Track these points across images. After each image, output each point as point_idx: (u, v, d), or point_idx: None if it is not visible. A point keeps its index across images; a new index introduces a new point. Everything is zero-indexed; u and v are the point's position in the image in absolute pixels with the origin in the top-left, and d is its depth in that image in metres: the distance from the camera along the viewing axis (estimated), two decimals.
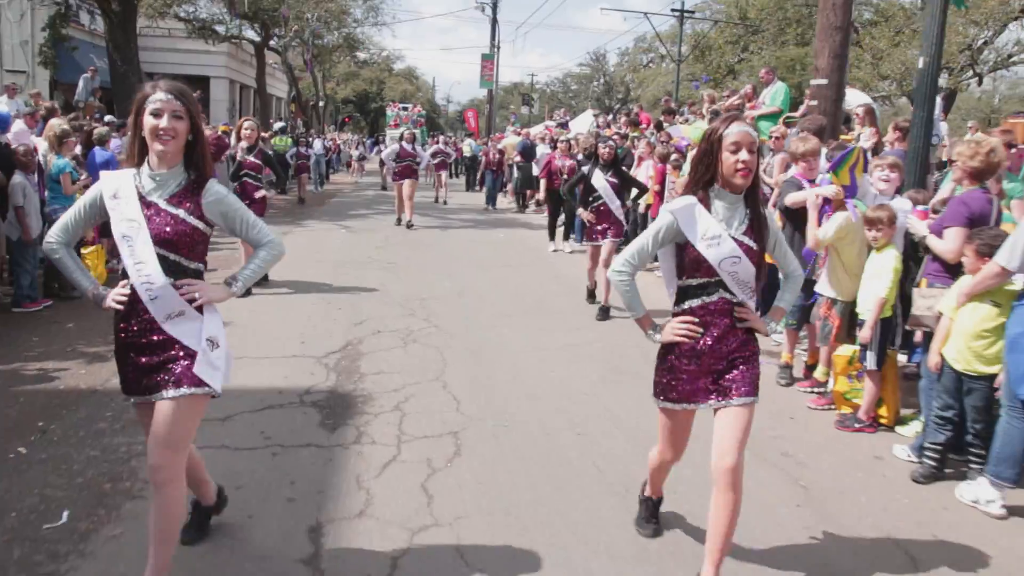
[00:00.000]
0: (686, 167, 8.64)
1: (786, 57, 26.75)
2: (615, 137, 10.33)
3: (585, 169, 8.11)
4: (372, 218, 15.60)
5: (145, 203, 2.74)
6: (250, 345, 6.09)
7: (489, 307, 7.94)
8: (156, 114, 2.65)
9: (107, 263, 7.93)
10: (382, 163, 22.27)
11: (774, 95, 10.95)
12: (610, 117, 20.83)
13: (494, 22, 33.10)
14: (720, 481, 2.88)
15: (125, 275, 2.78)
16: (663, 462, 3.31)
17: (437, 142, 23.26)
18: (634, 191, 8.68)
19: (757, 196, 2.99)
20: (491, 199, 19.14)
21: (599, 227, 7.81)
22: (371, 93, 60.08)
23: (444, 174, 20.02)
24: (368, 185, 23.86)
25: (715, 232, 2.89)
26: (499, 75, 36.33)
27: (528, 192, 17.91)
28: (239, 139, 8.94)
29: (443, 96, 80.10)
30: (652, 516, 3.50)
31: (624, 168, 8.71)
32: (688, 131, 11.00)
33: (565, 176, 11.67)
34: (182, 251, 2.77)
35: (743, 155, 2.80)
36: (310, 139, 22.51)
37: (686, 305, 3.01)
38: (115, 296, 2.77)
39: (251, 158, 8.63)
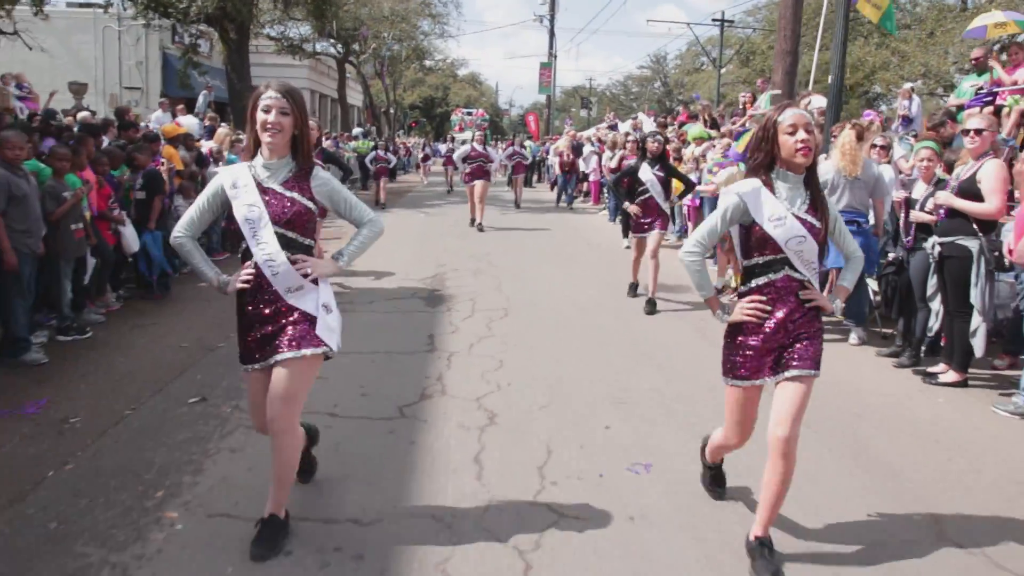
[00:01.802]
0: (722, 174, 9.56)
1: (821, 61, 29.35)
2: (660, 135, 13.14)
3: (633, 162, 8.72)
4: (445, 207, 19.01)
5: (262, 189, 3.15)
6: (377, 269, 9.54)
7: (534, 258, 11.27)
8: (266, 110, 3.05)
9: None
10: (446, 164, 24.53)
11: (767, 100, 14.00)
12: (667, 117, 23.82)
13: (551, 33, 36.47)
14: (774, 450, 3.05)
15: (245, 259, 3.22)
16: (726, 445, 3.50)
17: (512, 144, 23.58)
18: (682, 187, 8.99)
19: (816, 177, 3.20)
20: (570, 198, 20.06)
21: (646, 220, 8.21)
22: (437, 98, 64.08)
23: (521, 177, 19.94)
24: (435, 183, 27.35)
25: (780, 213, 3.08)
26: (561, 79, 39.84)
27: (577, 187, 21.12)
28: None
29: (506, 100, 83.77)
30: (717, 480, 3.77)
31: (670, 164, 8.99)
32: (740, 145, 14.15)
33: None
34: (297, 229, 3.17)
35: (801, 135, 3.03)
36: (390, 144, 25.67)
37: (753, 284, 3.20)
38: (242, 278, 3.18)
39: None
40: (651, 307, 7.93)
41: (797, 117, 3.07)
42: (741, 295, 3.26)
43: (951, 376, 5.72)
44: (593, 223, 16.37)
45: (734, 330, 3.25)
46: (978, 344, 5.46)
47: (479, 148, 14.70)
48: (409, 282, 9.13)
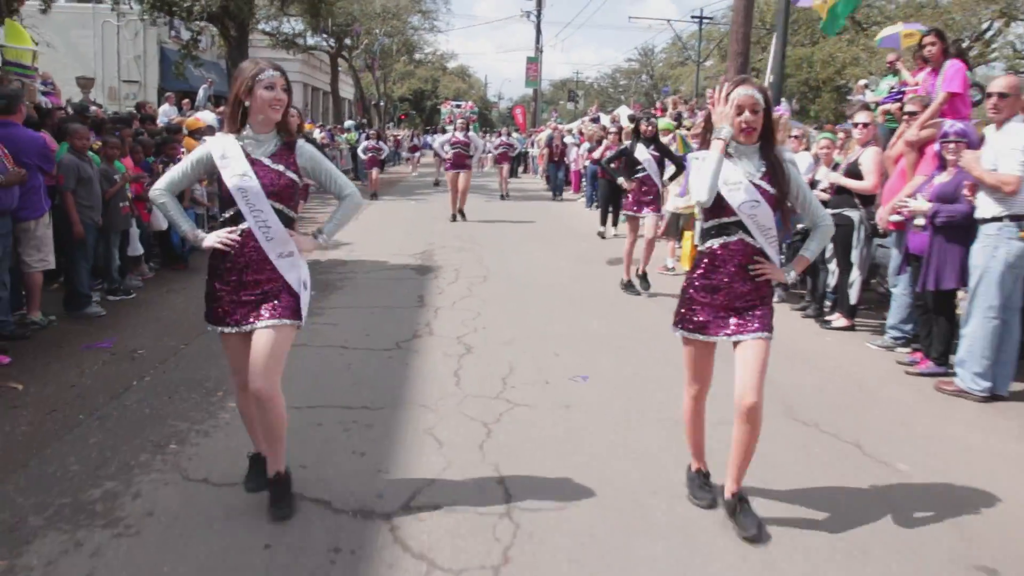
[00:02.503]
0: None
1: (795, 56, 30.83)
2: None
3: (628, 143, 8.84)
4: (434, 195, 20.34)
5: (251, 160, 3.28)
6: (374, 246, 10.88)
7: (514, 238, 12.63)
8: (270, 87, 3.22)
9: None
10: (436, 155, 25.48)
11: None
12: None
13: (538, 29, 37.77)
14: (741, 416, 3.28)
15: (230, 223, 3.32)
16: (694, 397, 3.59)
17: (501, 135, 24.23)
18: (672, 169, 8.79)
19: (772, 147, 3.37)
20: (558, 189, 20.77)
21: (644, 198, 8.33)
22: (426, 91, 65.35)
23: (507, 167, 20.48)
24: (424, 174, 28.62)
25: (736, 179, 3.27)
26: (550, 71, 41.16)
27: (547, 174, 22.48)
28: None
29: (495, 93, 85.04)
30: (705, 486, 3.70)
31: (663, 144, 8.97)
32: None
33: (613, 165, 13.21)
34: (284, 200, 3.34)
35: (745, 115, 3.24)
36: (383, 133, 26.76)
37: (707, 244, 3.42)
38: (223, 239, 3.29)
39: None
40: (645, 282, 8.43)
41: (744, 98, 3.25)
42: (696, 259, 3.52)
43: (841, 322, 7.12)
44: (573, 210, 17.74)
45: (687, 284, 3.48)
46: (853, 294, 6.87)
47: (460, 136, 15.04)
48: (401, 257, 10.47)
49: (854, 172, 6.88)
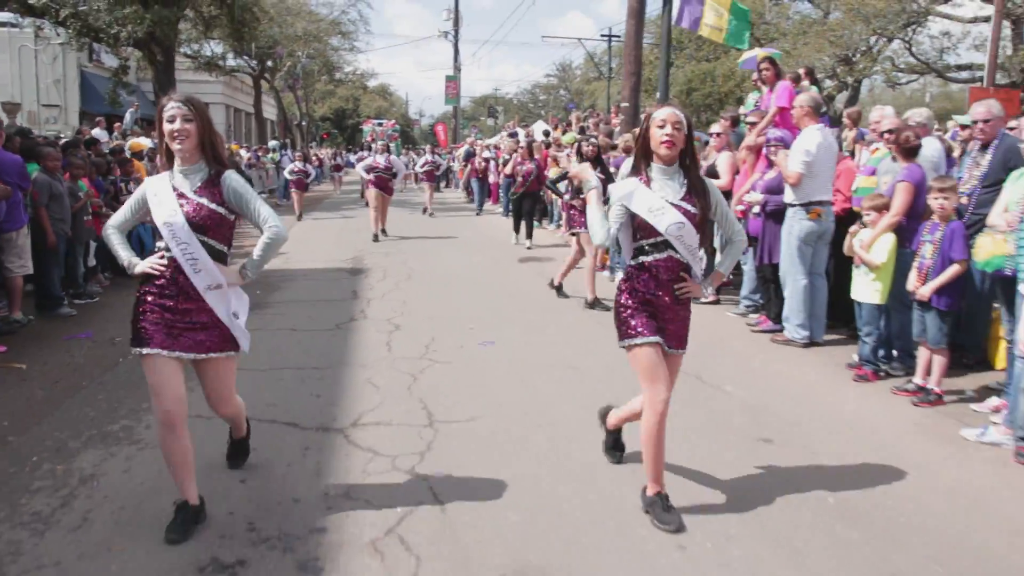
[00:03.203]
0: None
1: (700, 71, 33.06)
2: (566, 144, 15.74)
3: (566, 166, 9.48)
4: (359, 210, 21.48)
5: (178, 194, 3.42)
6: (307, 255, 12.08)
7: (436, 245, 13.97)
8: (171, 120, 3.32)
9: None
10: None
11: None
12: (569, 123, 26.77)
13: (455, 48, 39.31)
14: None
15: (166, 250, 3.45)
16: (660, 411, 3.57)
17: (426, 153, 24.93)
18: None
19: (694, 166, 3.62)
20: (480, 204, 21.25)
21: (579, 217, 8.55)
22: (347, 110, 66.06)
23: (431, 185, 20.91)
24: (348, 191, 29.63)
25: (658, 204, 3.50)
26: (471, 88, 42.77)
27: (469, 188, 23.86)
28: None
29: (416, 110, 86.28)
30: (669, 508, 3.66)
31: (607, 166, 9.31)
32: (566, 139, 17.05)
33: (520, 178, 13.74)
34: (209, 233, 3.45)
35: (667, 129, 3.44)
36: (308, 155, 27.71)
37: (639, 261, 3.65)
38: (151, 264, 3.45)
39: None
40: (560, 292, 9.05)
41: (668, 114, 3.47)
42: (628, 273, 3.71)
43: (710, 298, 8.68)
44: (492, 221, 19.14)
45: (619, 303, 3.69)
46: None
47: (382, 161, 15.10)
48: (333, 263, 11.70)
49: (712, 173, 8.45)
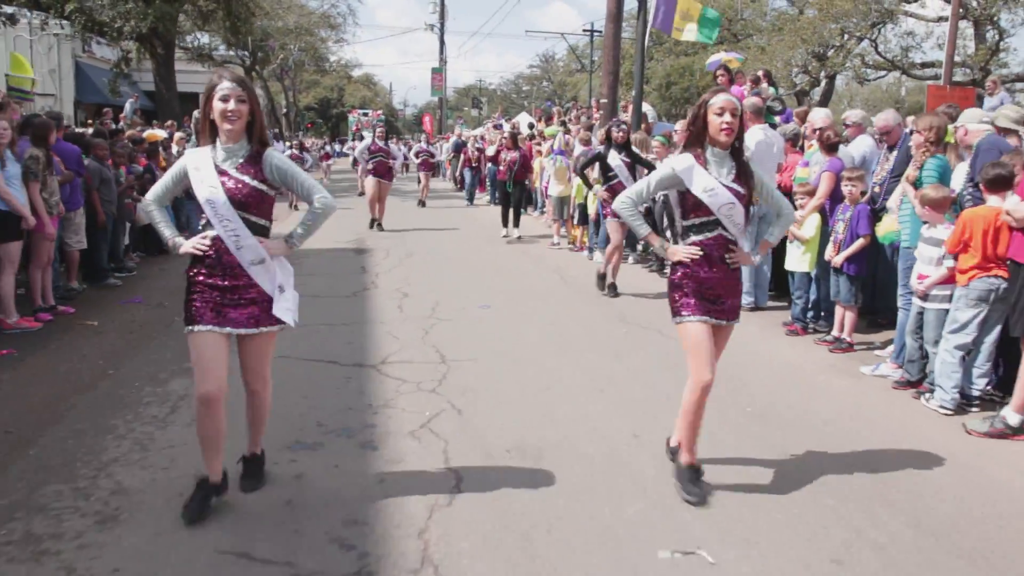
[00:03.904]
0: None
1: (679, 65, 34.45)
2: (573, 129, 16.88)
3: (601, 149, 9.07)
4: (354, 199, 22.67)
5: (220, 171, 3.50)
6: (312, 237, 13.31)
7: (433, 230, 15.25)
8: (224, 99, 3.39)
9: None
10: (356, 166, 23.56)
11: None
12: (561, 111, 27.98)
13: (441, 40, 40.49)
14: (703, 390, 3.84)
15: (205, 229, 3.61)
16: (697, 387, 3.83)
17: (420, 141, 24.67)
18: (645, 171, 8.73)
19: (741, 150, 3.83)
20: (471, 194, 21.65)
21: (609, 208, 8.62)
22: (332, 99, 66.99)
23: (427, 175, 20.69)
24: (337, 180, 30.73)
25: (711, 185, 3.71)
26: (455, 78, 43.83)
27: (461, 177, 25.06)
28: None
29: (400, 100, 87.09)
30: (695, 479, 3.91)
31: (635, 151, 9.31)
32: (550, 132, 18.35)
33: (503, 166, 14.20)
34: (251, 210, 3.54)
35: (726, 117, 3.65)
36: (305, 144, 28.69)
37: (691, 239, 3.84)
38: (196, 244, 3.53)
39: None
40: (613, 290, 8.93)
41: (726, 102, 3.67)
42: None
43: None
44: (483, 210, 20.39)
45: (677, 277, 3.89)
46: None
47: (380, 143, 15.16)
48: (338, 244, 12.93)
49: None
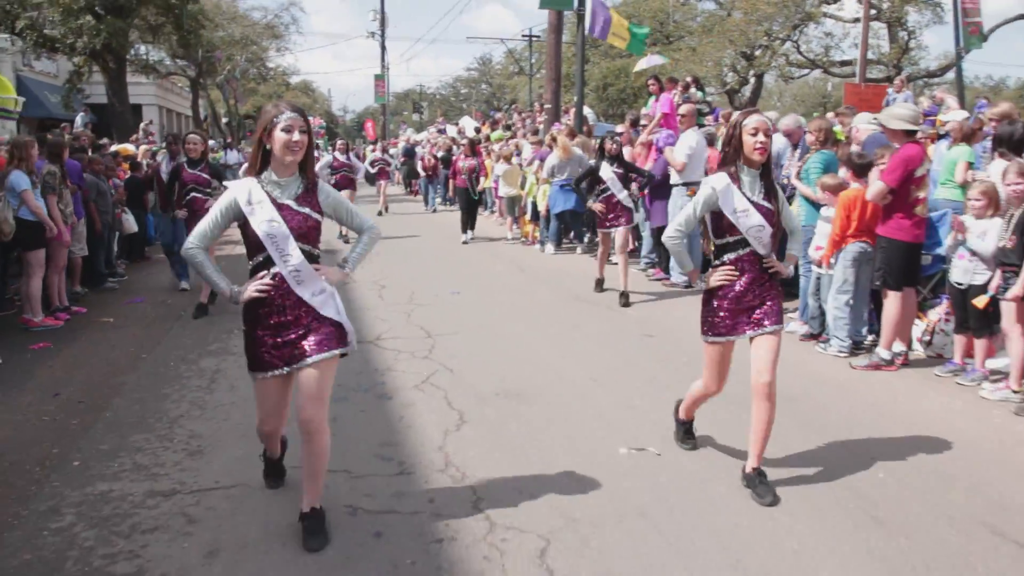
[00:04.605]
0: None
1: (615, 67, 35.97)
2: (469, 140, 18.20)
3: (592, 163, 9.23)
4: None
5: (277, 205, 3.43)
6: None
7: (397, 233, 16.34)
8: (288, 130, 3.33)
9: None
10: None
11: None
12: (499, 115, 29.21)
13: (383, 47, 41.43)
14: (759, 393, 3.97)
15: (257, 270, 3.53)
16: (706, 394, 4.33)
17: (376, 150, 24.72)
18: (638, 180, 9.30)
19: (771, 170, 4.00)
20: (429, 200, 21.68)
21: (610, 216, 8.85)
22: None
23: (386, 183, 20.51)
24: None
25: (745, 206, 3.88)
26: (393, 83, 44.60)
27: (412, 181, 26.13)
28: (174, 156, 10.13)
29: (339, 107, 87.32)
30: (689, 435, 4.65)
31: (626, 160, 9.51)
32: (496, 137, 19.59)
33: (465, 175, 14.61)
34: (310, 241, 3.54)
35: (760, 137, 3.79)
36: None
37: (724, 258, 4.02)
38: (259, 287, 3.46)
39: (198, 172, 8.54)
40: (625, 299, 8.76)
41: (759, 122, 3.81)
42: (714, 267, 4.05)
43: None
44: (442, 216, 21.54)
45: (710, 296, 4.06)
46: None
47: (341, 158, 15.13)
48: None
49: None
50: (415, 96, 73.87)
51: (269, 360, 3.54)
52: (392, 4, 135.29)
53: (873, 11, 25.25)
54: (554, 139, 12.33)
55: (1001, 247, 5.53)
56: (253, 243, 3.49)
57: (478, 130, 22.67)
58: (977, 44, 21.57)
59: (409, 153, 25.55)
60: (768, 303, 4.04)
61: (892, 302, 6.17)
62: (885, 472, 4.41)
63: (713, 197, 3.93)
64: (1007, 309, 5.50)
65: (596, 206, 8.90)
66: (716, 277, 4.03)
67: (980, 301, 5.68)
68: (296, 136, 3.37)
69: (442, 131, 30.18)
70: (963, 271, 5.93)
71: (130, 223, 12.06)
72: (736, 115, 4.05)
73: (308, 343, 3.52)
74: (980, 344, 5.95)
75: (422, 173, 22.22)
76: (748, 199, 3.91)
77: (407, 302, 8.98)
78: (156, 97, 38.19)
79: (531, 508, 3.97)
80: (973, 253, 5.82)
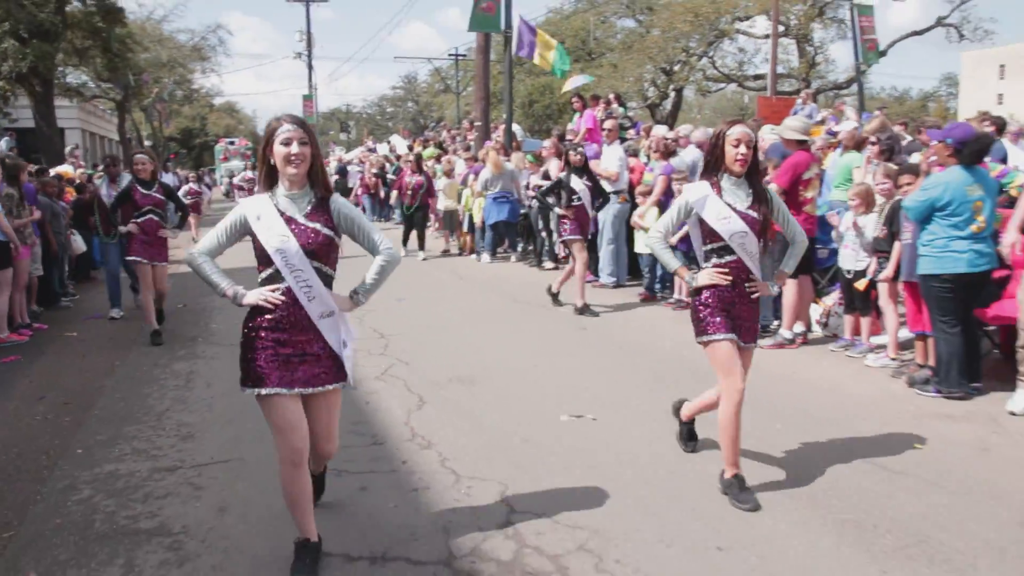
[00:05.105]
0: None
1: (539, 84, 37.15)
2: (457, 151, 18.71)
3: (563, 175, 9.28)
4: None
5: (287, 220, 3.35)
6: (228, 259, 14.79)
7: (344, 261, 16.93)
8: (286, 143, 3.26)
9: None
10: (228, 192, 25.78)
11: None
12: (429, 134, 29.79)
13: (310, 67, 41.82)
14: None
15: (268, 282, 3.41)
16: (729, 399, 4.10)
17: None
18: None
19: (758, 176, 4.05)
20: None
21: (573, 226, 8.96)
22: (194, 129, 66.51)
23: None
24: (219, 209, 31.61)
25: (726, 213, 3.93)
26: (318, 103, 44.71)
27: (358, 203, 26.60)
28: (113, 178, 10.12)
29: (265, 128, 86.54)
30: (692, 436, 4.78)
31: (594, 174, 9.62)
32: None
33: (410, 191, 14.19)
34: (321, 259, 3.41)
35: (742, 149, 3.88)
36: (203, 175, 29.22)
37: (712, 262, 4.07)
38: (267, 296, 3.36)
39: (152, 193, 8.36)
40: (583, 310, 8.94)
41: (742, 134, 3.91)
42: (703, 268, 4.13)
43: (550, 266, 12.21)
44: (384, 231, 22.10)
45: (699, 303, 4.13)
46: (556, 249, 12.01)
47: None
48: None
49: (546, 175, 11.99)
50: (341, 115, 74.14)
51: (262, 373, 3.39)
52: (317, 25, 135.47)
53: (782, 27, 26.98)
54: (487, 155, 13.17)
55: (876, 237, 6.55)
56: (262, 257, 3.42)
57: (411, 148, 23.35)
58: (874, 59, 23.36)
59: (342, 172, 26.06)
60: (749, 320, 4.17)
61: (790, 289, 7.14)
62: (783, 423, 5.33)
63: (686, 207, 4.08)
64: (881, 289, 6.52)
65: (567, 212, 8.99)
66: (708, 274, 4.08)
67: (860, 284, 6.70)
68: (295, 148, 3.30)
69: (372, 150, 30.74)
70: (849, 259, 6.94)
71: (79, 243, 12.43)
72: (720, 125, 4.17)
73: (311, 371, 3.44)
74: (865, 322, 6.97)
75: (360, 192, 22.88)
76: (731, 207, 3.99)
77: (357, 309, 9.63)
78: (79, 120, 37.83)
79: (490, 463, 4.75)
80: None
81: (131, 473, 4.81)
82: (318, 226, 3.41)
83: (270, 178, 3.44)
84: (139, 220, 8.25)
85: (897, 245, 6.30)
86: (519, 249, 13.77)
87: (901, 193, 6.28)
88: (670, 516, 4.04)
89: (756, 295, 4.13)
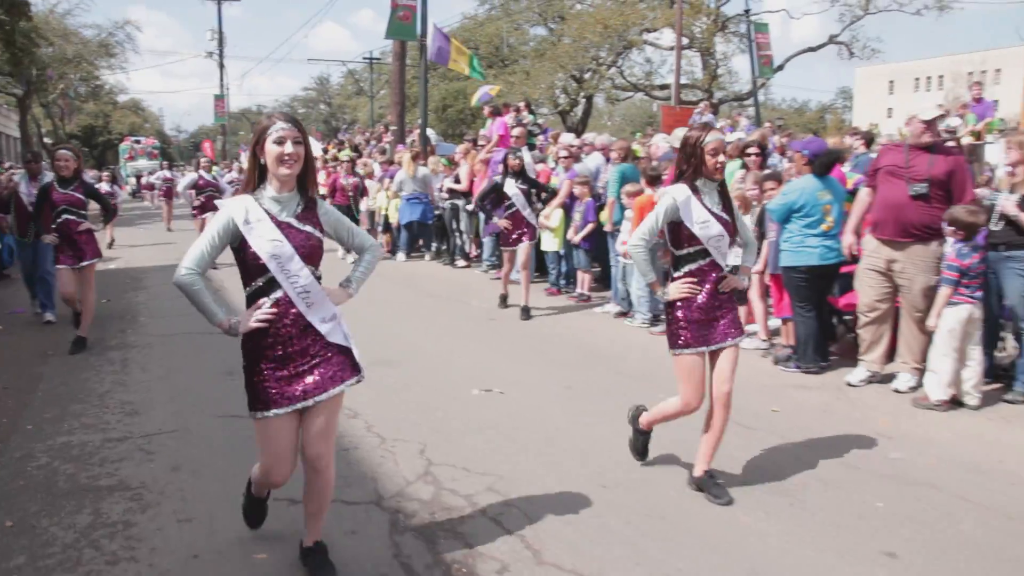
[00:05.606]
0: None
1: (453, 89, 37.90)
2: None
3: (498, 179, 9.36)
4: (162, 229, 23.93)
5: (277, 223, 3.20)
6: (147, 259, 15.01)
7: None
8: (280, 142, 3.12)
9: None
10: (163, 196, 21.40)
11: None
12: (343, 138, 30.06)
13: (221, 66, 41.55)
14: (719, 402, 4.21)
15: (255, 297, 3.25)
16: (684, 411, 4.32)
17: (230, 169, 25.27)
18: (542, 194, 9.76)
19: (725, 183, 4.28)
20: None
21: (515, 232, 9.03)
22: (97, 127, 64.55)
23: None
24: (134, 210, 31.23)
25: (705, 217, 4.09)
26: (229, 103, 44.43)
27: None
28: (34, 176, 9.47)
29: (172, 127, 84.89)
30: (645, 449, 4.77)
31: (530, 176, 9.58)
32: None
33: (350, 192, 14.67)
34: (313, 262, 3.30)
35: (721, 157, 4.09)
36: (116, 175, 28.45)
37: (684, 269, 4.18)
38: (260, 316, 3.18)
39: (71, 192, 7.84)
40: (526, 314, 9.06)
41: (718, 143, 4.12)
42: (675, 278, 4.23)
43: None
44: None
45: (673, 310, 4.22)
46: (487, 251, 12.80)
47: (207, 177, 14.61)
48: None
49: (457, 179, 12.76)
50: (252, 116, 73.13)
51: (275, 396, 3.26)
52: (228, 23, 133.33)
53: (686, 40, 28.41)
54: (403, 158, 13.85)
55: None
56: (252, 266, 3.23)
57: (326, 151, 23.75)
58: (769, 73, 24.96)
59: None
60: (728, 316, 4.24)
61: None
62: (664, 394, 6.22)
63: (674, 207, 4.12)
64: (753, 281, 7.51)
65: (502, 222, 9.06)
66: (676, 288, 4.20)
67: None
68: (289, 148, 3.15)
69: None
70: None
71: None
72: (693, 132, 4.22)
73: (317, 376, 3.32)
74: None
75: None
76: (709, 211, 4.13)
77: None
78: None
79: (410, 428, 5.50)
80: None
81: (84, 443, 5.34)
82: (310, 229, 3.32)
83: (258, 179, 3.29)
84: (56, 222, 7.79)
85: (765, 243, 7.29)
86: (433, 248, 14.48)
87: (766, 198, 7.27)
88: (564, 466, 4.86)
89: (729, 289, 4.27)
